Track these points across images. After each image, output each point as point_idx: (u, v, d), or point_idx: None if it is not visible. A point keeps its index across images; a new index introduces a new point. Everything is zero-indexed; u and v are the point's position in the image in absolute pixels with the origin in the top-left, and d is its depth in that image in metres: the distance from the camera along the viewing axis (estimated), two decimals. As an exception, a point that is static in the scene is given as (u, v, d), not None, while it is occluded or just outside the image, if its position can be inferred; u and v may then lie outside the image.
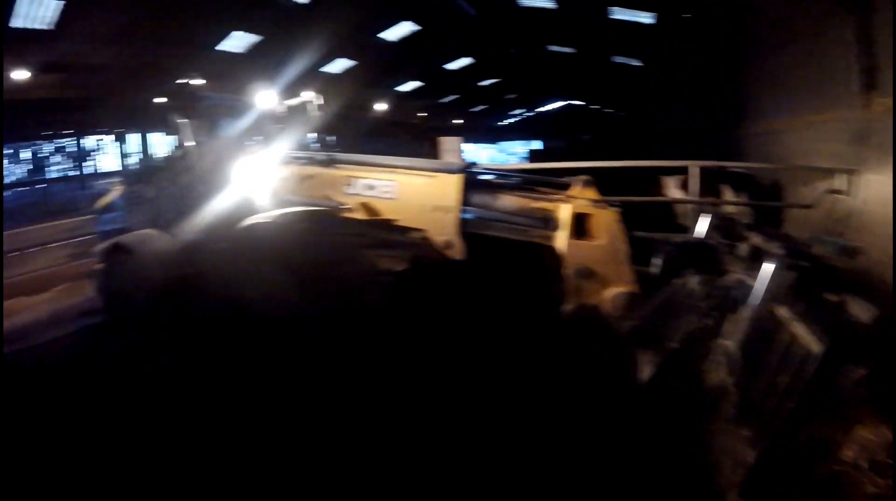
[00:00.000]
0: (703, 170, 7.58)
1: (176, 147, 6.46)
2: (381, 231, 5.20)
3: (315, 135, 15.81)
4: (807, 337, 2.48)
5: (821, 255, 3.98)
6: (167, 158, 6.53)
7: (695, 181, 7.41)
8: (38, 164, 13.00)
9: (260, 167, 5.44)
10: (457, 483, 3.33)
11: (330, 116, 19.92)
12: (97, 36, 11.43)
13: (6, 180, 12.37)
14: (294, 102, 6.28)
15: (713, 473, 2.99)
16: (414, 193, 4.47)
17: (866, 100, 7.17)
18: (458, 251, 4.33)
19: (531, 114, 45.02)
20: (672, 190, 8.08)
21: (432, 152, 18.28)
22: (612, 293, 3.83)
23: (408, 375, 4.39)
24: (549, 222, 4.04)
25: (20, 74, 10.70)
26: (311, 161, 5.04)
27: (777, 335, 2.70)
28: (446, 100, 32.53)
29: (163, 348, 4.99)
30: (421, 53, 23.01)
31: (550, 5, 18.40)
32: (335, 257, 4.65)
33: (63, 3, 9.81)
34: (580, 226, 3.93)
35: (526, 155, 37.05)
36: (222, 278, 4.80)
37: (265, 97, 6.18)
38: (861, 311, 2.84)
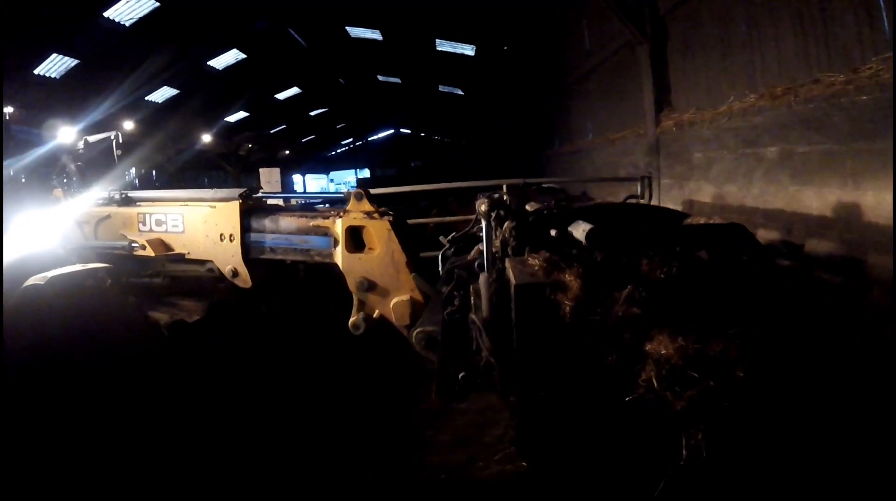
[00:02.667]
0: (518, 187, 8.42)
1: None
2: (174, 266, 5.30)
3: (133, 170, 14.97)
4: (511, 278, 2.74)
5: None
6: None
7: (507, 198, 8.22)
8: None
9: (55, 211, 5.28)
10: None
11: (152, 149, 18.97)
12: None
13: None
14: (96, 138, 6.12)
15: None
16: (198, 224, 4.49)
17: (658, 117, 8.62)
18: (244, 280, 4.34)
19: (361, 143, 45.76)
20: (490, 208, 8.84)
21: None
22: (394, 302, 3.91)
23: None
24: (327, 239, 4.15)
25: None
26: (108, 201, 4.97)
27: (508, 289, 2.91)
28: (275, 130, 32.08)
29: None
30: (248, 83, 22.62)
31: (378, 37, 19.22)
32: (118, 317, 4.60)
33: None
34: (358, 239, 4.02)
35: (353, 185, 37.68)
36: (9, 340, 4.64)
37: (66, 133, 5.94)
38: (578, 232, 3.07)
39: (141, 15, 13.55)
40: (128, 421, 4.23)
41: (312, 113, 32.68)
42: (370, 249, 3.92)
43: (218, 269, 4.61)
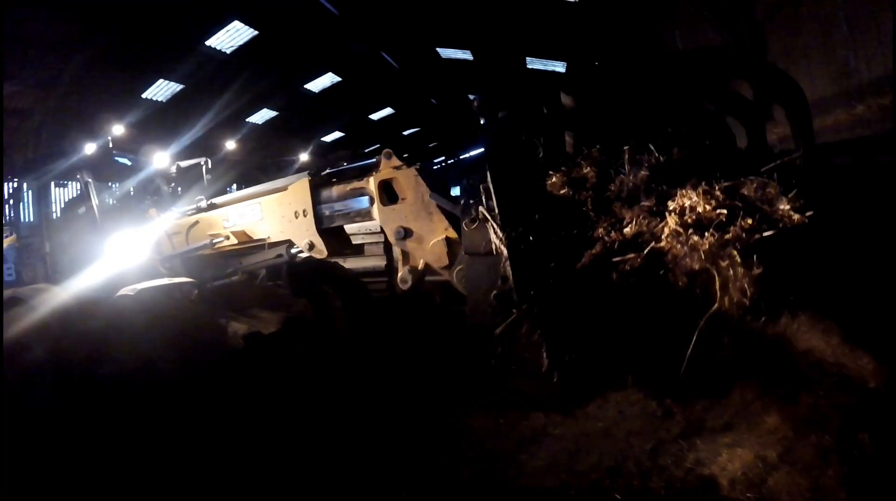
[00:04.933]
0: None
1: (73, 203, 6.41)
2: (250, 260, 5.61)
3: (234, 187, 15.76)
4: None
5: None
6: (66, 214, 6.47)
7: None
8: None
9: (150, 229, 5.73)
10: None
11: (250, 166, 19.93)
12: (15, 78, 11.11)
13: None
14: (187, 163, 6.54)
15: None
16: (274, 207, 4.84)
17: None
18: (320, 251, 4.65)
19: (452, 161, 46.08)
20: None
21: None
22: (430, 245, 4.05)
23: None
24: (364, 198, 4.45)
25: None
26: (196, 211, 5.43)
27: None
28: (369, 149, 32.88)
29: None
30: (344, 104, 23.33)
31: (469, 57, 19.24)
32: (200, 327, 4.97)
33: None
34: (391, 193, 4.26)
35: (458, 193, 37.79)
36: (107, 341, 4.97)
37: (160, 158, 6.44)
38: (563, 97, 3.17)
39: (240, 43, 14.34)
40: (206, 425, 4.34)
41: (405, 132, 33.28)
42: (402, 199, 4.18)
43: (287, 253, 5.03)
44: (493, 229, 3.20)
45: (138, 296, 4.95)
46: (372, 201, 4.37)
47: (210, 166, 6.45)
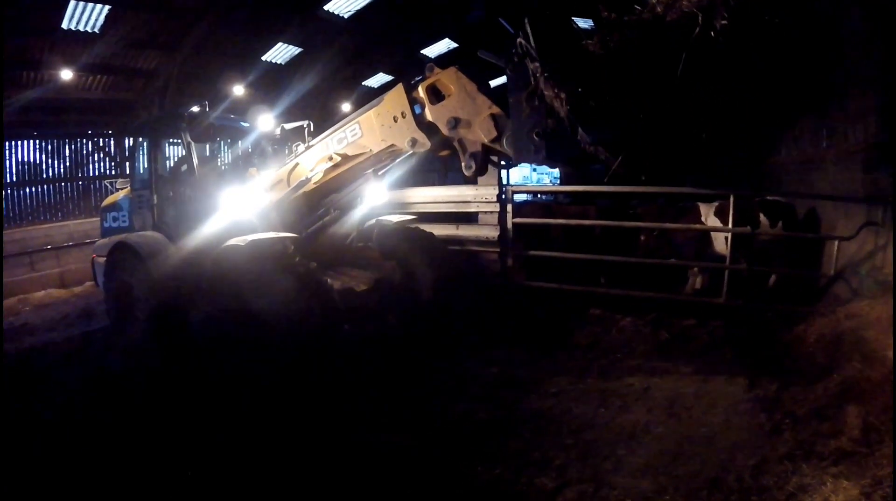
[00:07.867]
0: (740, 198, 7.50)
1: (181, 161, 6.82)
2: (339, 198, 6.19)
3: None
4: None
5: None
6: (174, 170, 6.89)
7: (732, 209, 7.32)
8: (79, 161, 13.55)
9: (252, 185, 6.05)
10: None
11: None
12: (142, 42, 11.92)
13: (48, 175, 12.92)
14: (292, 125, 6.77)
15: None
16: (373, 121, 5.18)
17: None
18: (423, 144, 4.98)
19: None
20: (710, 218, 7.99)
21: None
22: (479, 121, 4.60)
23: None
24: (418, 106, 4.99)
25: (66, 74, 11.17)
26: (294, 156, 5.87)
27: None
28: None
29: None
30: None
31: (588, 26, 18.32)
32: (297, 278, 5.20)
33: (109, 7, 10.22)
34: (438, 94, 4.89)
35: (557, 176, 36.84)
36: (209, 289, 5.47)
37: (265, 121, 6.65)
38: None
39: (358, 8, 14.52)
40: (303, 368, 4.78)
41: (521, 102, 32.63)
42: (448, 95, 4.69)
43: (375, 175, 5.82)
44: (530, 56, 3.83)
45: (247, 247, 5.28)
46: (423, 107, 4.88)
47: (312, 129, 6.61)
